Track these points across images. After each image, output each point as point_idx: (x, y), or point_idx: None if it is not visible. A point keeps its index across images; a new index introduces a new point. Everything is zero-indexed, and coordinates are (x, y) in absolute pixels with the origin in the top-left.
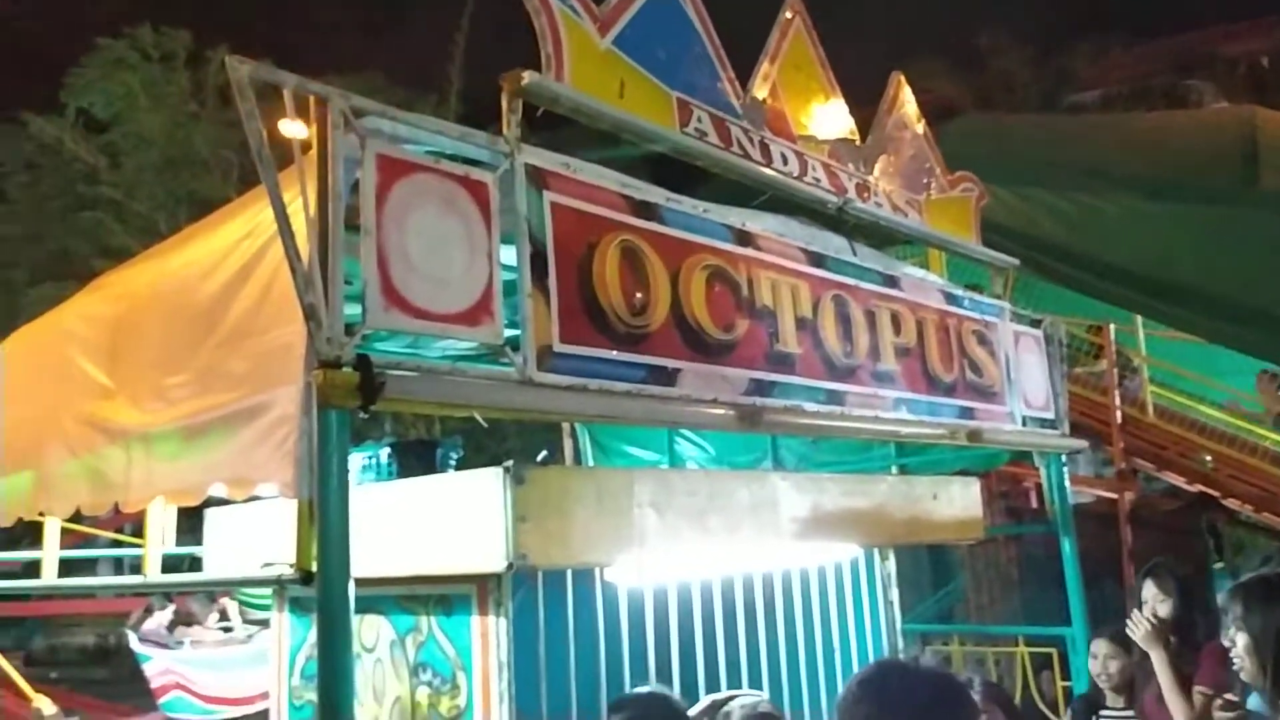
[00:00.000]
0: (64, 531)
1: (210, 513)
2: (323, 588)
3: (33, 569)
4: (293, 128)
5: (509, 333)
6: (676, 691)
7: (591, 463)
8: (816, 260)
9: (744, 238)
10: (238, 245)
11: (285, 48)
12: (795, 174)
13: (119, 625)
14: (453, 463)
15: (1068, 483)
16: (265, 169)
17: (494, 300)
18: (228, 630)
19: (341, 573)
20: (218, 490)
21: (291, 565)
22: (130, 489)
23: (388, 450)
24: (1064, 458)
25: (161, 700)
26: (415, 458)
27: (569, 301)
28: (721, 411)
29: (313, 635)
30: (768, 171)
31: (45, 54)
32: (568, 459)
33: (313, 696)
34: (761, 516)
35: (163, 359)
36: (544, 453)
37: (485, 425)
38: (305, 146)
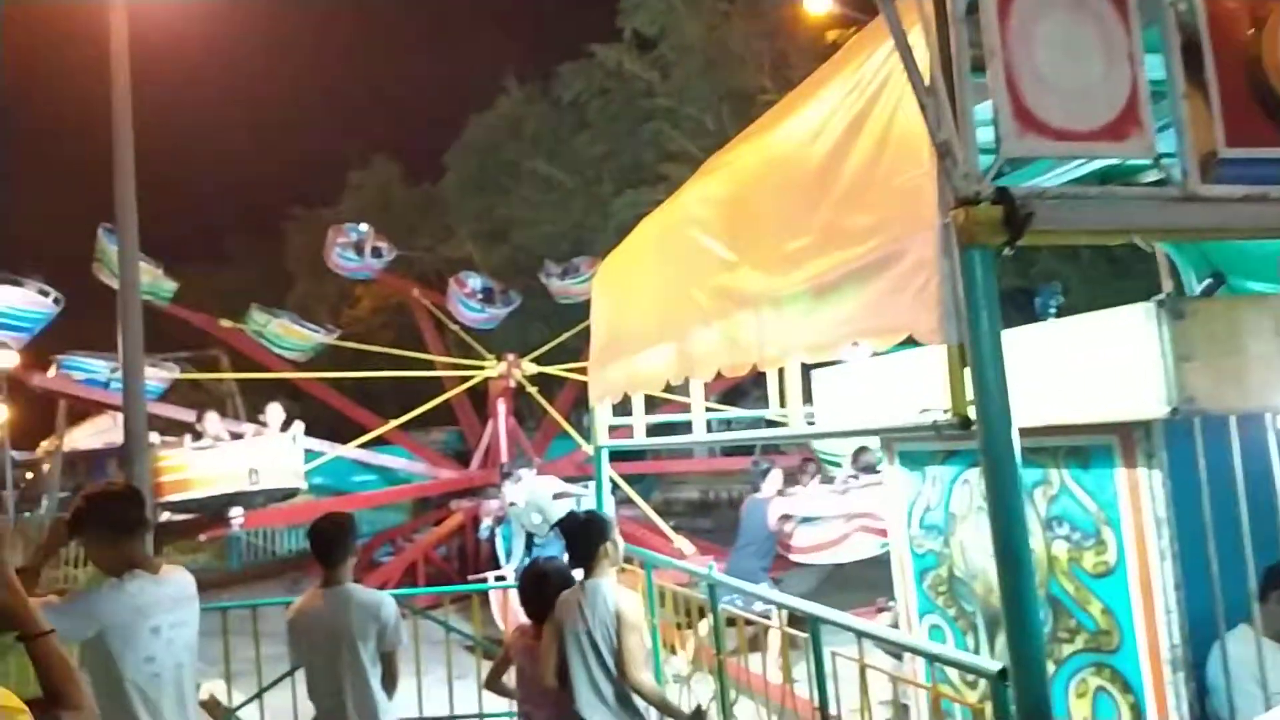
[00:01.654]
0: (650, 400)
1: (818, 373)
2: (985, 433)
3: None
4: None
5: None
6: None
7: None
8: None
9: None
10: (841, 103)
11: None
12: None
13: (715, 483)
14: (1052, 310)
15: None
16: (885, 4)
17: (1141, 108)
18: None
19: (1003, 417)
20: (854, 342)
21: (947, 411)
22: (765, 349)
23: None
24: None
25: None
26: (1012, 306)
27: (1234, 97)
28: None
29: (927, 488)
30: None
31: None
32: None
33: (933, 545)
34: None
35: (781, 226)
36: (1207, 281)
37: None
38: None
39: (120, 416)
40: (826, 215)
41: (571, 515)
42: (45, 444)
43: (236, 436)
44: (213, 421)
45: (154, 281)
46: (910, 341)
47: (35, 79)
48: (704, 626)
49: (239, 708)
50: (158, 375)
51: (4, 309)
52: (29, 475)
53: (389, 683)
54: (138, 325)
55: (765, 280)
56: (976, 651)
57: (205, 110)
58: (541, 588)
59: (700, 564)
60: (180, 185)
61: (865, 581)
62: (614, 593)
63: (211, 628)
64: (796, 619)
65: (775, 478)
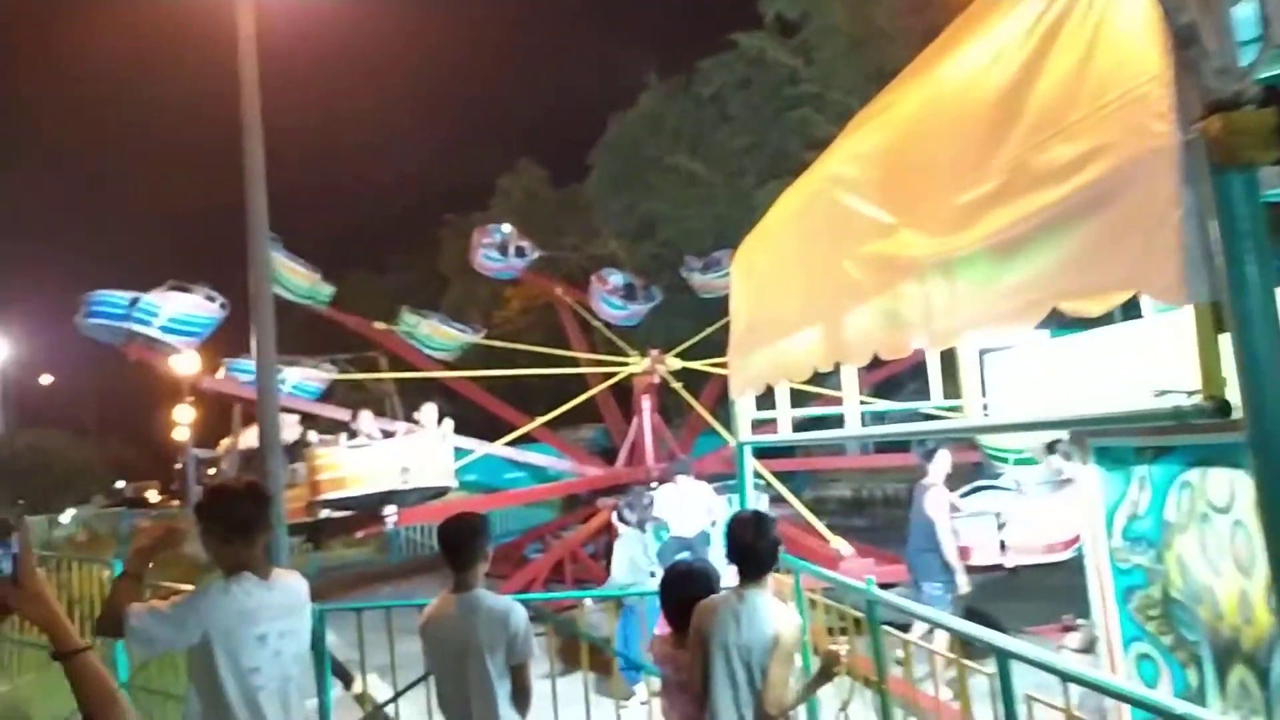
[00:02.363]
0: (797, 395)
1: (990, 358)
2: (1255, 420)
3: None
4: None
5: None
6: None
7: None
8: None
9: None
10: (1025, 17)
11: None
12: None
13: (869, 481)
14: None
15: None
16: None
17: None
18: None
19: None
20: (1050, 309)
21: (1193, 393)
22: (933, 324)
23: None
24: None
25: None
26: None
27: None
28: None
29: (1133, 491)
30: None
31: None
32: None
33: (1141, 560)
34: None
35: (950, 176)
36: None
37: None
38: None
39: (290, 416)
40: (1011, 154)
41: (745, 516)
42: (224, 442)
43: (389, 435)
44: (366, 420)
45: (312, 286)
46: (1099, 318)
47: (211, 94)
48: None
49: (382, 706)
50: (316, 376)
51: (175, 315)
52: (210, 471)
53: (521, 699)
54: (269, 323)
55: (932, 243)
56: (1200, 690)
57: (365, 128)
58: (685, 591)
59: (859, 569)
60: (345, 200)
61: (1040, 588)
62: (774, 612)
63: (353, 625)
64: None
65: (943, 461)
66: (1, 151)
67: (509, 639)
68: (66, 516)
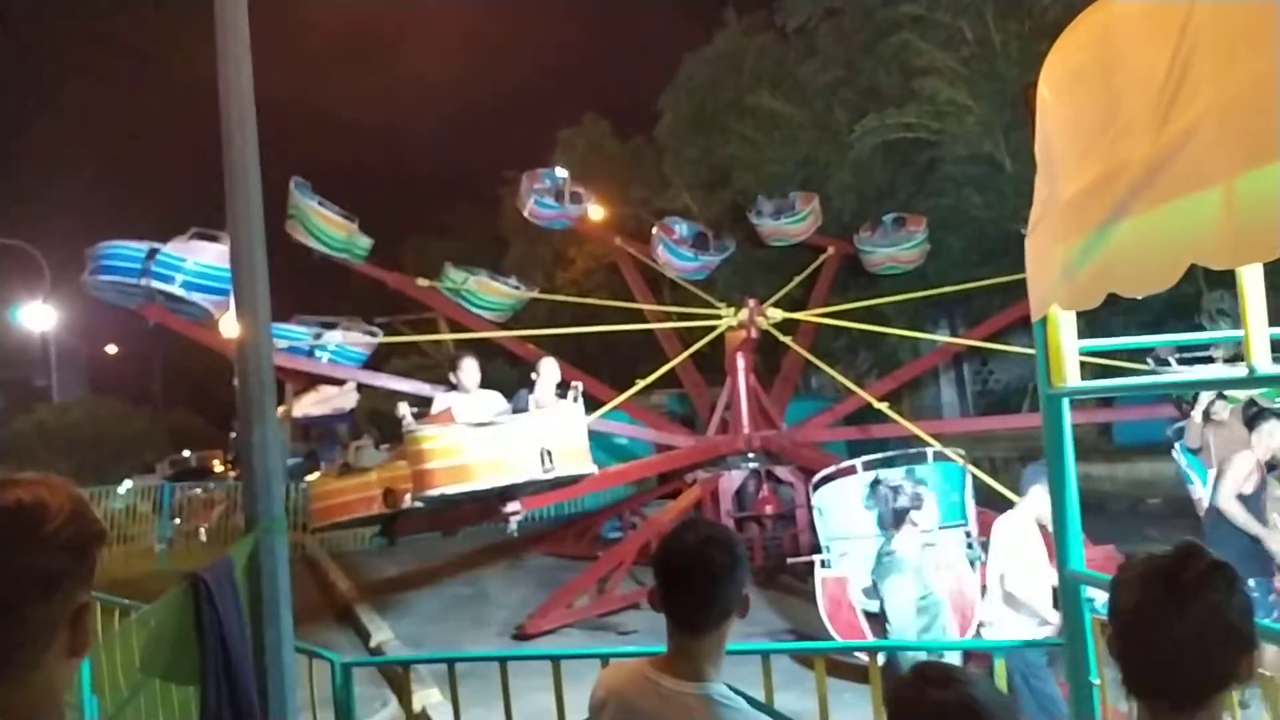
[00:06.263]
0: None
1: None
2: None
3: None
4: None
5: None
6: None
7: None
8: None
9: None
10: None
11: None
12: None
13: (971, 447)
14: None
15: None
16: None
17: None
18: None
19: None
20: None
21: None
22: None
23: None
24: None
25: None
26: None
27: None
28: None
29: None
30: None
31: None
32: None
33: None
34: None
35: None
36: None
37: None
38: None
39: (348, 385)
40: None
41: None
42: (280, 409)
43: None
44: (470, 370)
45: (349, 238)
46: None
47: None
48: None
49: None
50: (359, 340)
51: (198, 268)
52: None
53: None
54: (261, 271)
55: None
56: None
57: (421, 89)
58: None
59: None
60: (402, 164)
61: None
62: None
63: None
64: None
65: None
66: (53, 119)
67: None
68: (124, 487)
